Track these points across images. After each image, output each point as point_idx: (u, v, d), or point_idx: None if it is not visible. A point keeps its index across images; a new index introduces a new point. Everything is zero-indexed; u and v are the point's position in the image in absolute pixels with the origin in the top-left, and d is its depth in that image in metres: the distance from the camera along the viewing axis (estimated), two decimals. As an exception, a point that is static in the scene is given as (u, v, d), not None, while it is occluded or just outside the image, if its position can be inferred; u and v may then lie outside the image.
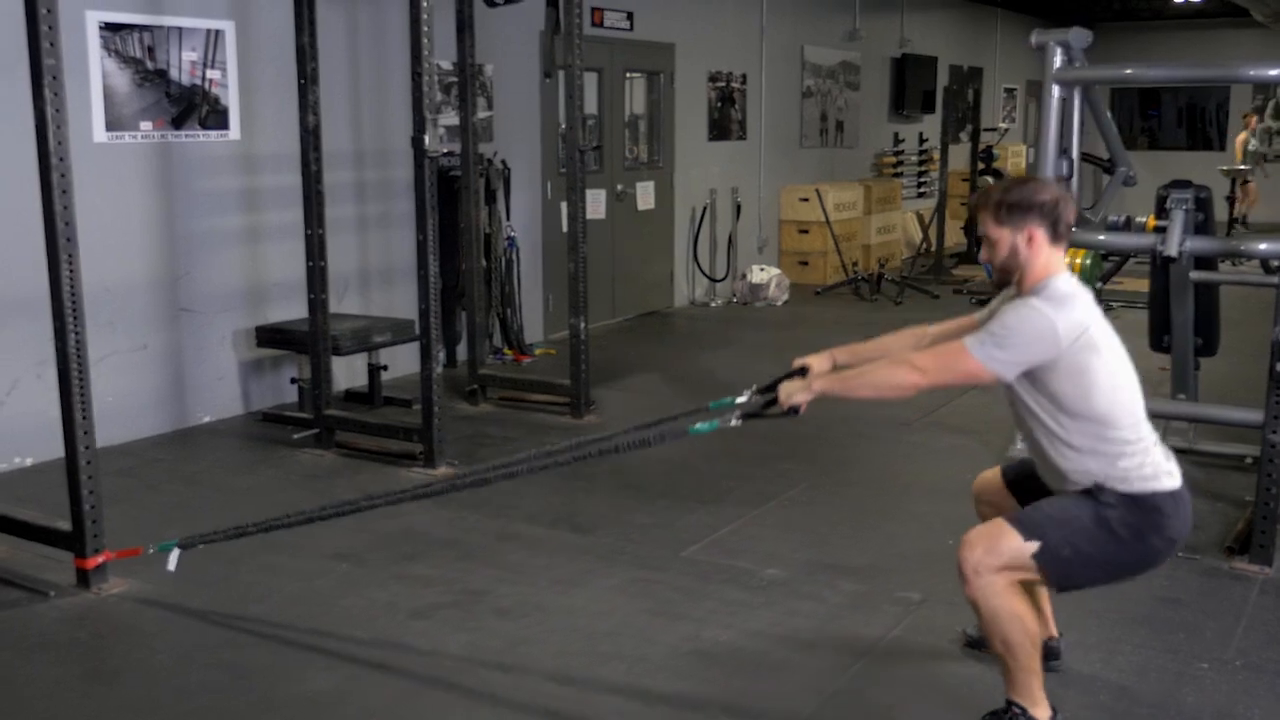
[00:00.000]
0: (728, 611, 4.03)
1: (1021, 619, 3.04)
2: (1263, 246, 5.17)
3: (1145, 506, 3.04)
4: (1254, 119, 16.37)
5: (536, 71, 8.57)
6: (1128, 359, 3.13)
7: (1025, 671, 3.09)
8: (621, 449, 3.57)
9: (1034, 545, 3.01)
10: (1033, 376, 3.05)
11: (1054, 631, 3.61)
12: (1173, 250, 5.06)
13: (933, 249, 12.62)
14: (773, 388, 3.32)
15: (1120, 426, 3.06)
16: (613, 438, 3.63)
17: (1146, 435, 3.11)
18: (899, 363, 3.14)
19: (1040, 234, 3.07)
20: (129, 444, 6.01)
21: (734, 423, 3.33)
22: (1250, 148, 15.57)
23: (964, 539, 3.07)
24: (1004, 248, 3.11)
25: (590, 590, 4.23)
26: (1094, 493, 3.07)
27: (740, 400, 3.41)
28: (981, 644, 3.71)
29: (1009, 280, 3.17)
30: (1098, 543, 3.04)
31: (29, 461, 5.59)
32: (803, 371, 3.40)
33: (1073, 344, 2.98)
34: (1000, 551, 3.02)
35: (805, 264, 11.94)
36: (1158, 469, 3.07)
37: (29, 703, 3.43)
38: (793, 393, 3.22)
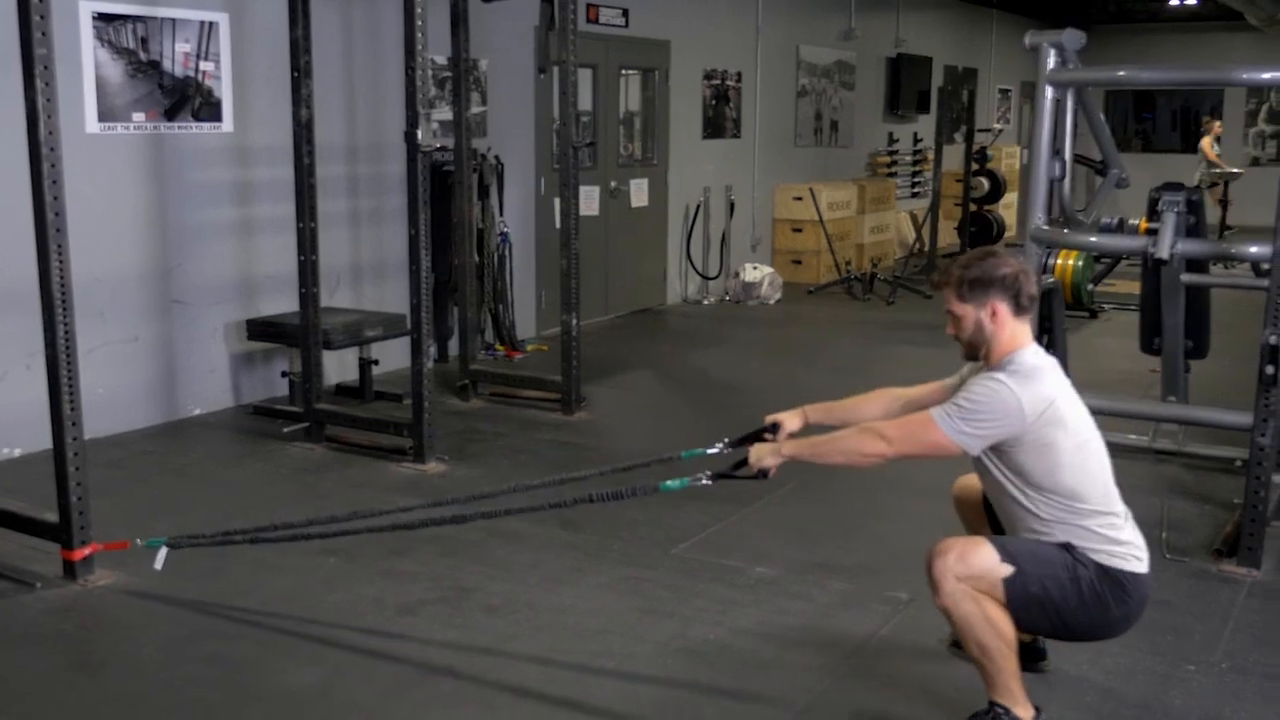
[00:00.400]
0: (716, 610, 4.03)
1: (993, 622, 3.04)
2: (1253, 249, 5.16)
3: (1113, 578, 3.08)
4: (1217, 124, 16.49)
5: (531, 67, 8.56)
6: (1097, 432, 3.17)
7: (1004, 673, 3.10)
8: (595, 500, 3.62)
9: (1008, 570, 3.03)
10: (999, 450, 3.09)
11: (1040, 633, 3.60)
12: (1164, 252, 5.06)
13: (926, 249, 12.63)
14: (743, 442, 3.39)
15: (1088, 500, 3.09)
16: (588, 487, 3.75)
17: (1117, 509, 3.15)
18: (867, 432, 3.18)
19: (1003, 308, 3.11)
20: (119, 436, 5.99)
21: (704, 482, 3.38)
22: (1215, 153, 15.73)
23: (937, 546, 3.08)
24: (969, 323, 3.16)
25: (579, 588, 4.23)
26: (1069, 549, 3.09)
27: (711, 451, 3.52)
28: (968, 644, 3.72)
29: (976, 355, 3.22)
30: (1065, 594, 3.06)
31: (17, 452, 5.58)
32: (774, 428, 3.45)
33: (1038, 419, 3.02)
34: (972, 563, 3.03)
35: (798, 263, 11.95)
36: (1127, 550, 3.11)
37: (12, 694, 3.42)
38: (763, 456, 3.28)
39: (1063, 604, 3.06)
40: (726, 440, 3.48)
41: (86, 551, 4.18)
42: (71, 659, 3.66)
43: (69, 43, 5.67)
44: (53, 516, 4.21)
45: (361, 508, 4.94)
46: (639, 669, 3.61)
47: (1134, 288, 6.50)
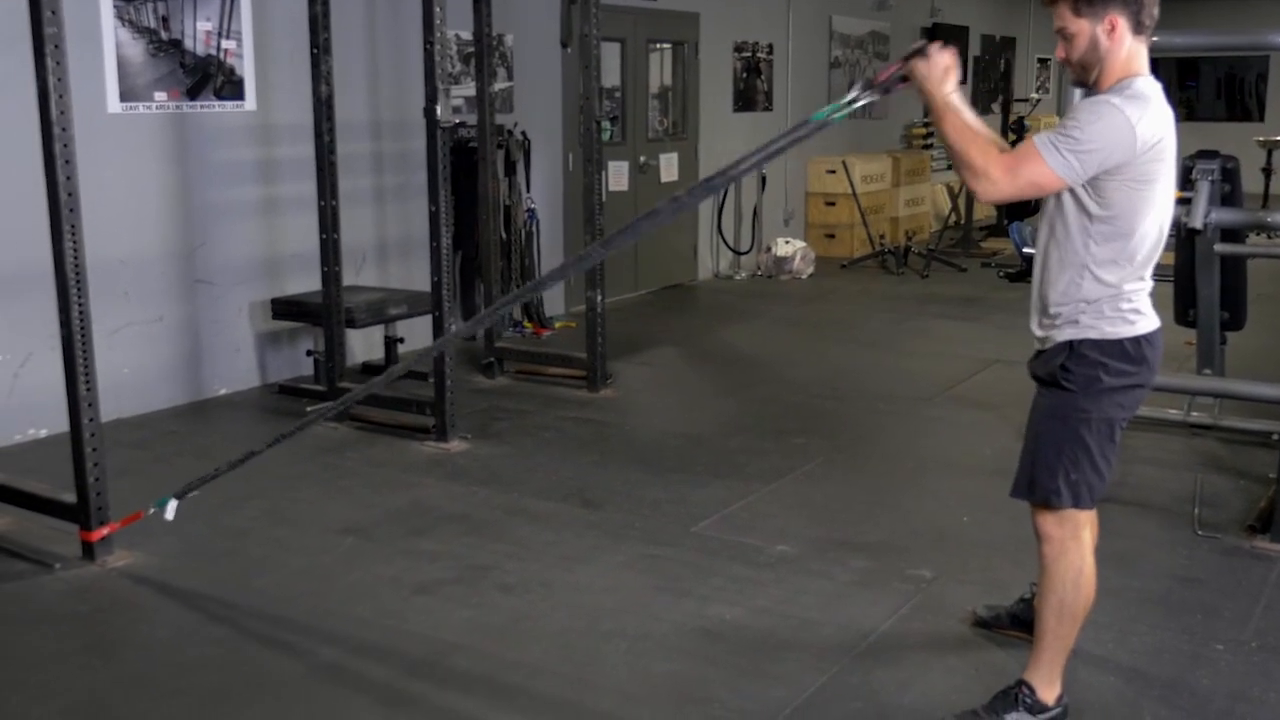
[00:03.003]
0: (735, 588, 3.98)
1: (1082, 589, 3.02)
2: (1291, 218, 5.04)
3: (1116, 350, 2.92)
4: None
5: (558, 42, 8.48)
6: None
7: (1055, 648, 3.05)
8: (719, 182, 3.32)
9: (1055, 496, 2.99)
10: (1092, 180, 2.82)
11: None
12: (1198, 222, 4.95)
13: (962, 222, 12.47)
14: (910, 55, 2.93)
15: (1136, 257, 2.89)
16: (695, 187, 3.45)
17: (1148, 280, 2.96)
18: (998, 159, 2.80)
19: (1123, 23, 2.84)
20: (144, 416, 6.01)
21: (860, 102, 3.01)
22: None
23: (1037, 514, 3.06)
24: (1083, 40, 2.87)
25: (597, 566, 4.18)
26: (1059, 374, 2.95)
27: (852, 96, 3.04)
28: (991, 624, 3.66)
29: (1086, 80, 2.95)
30: (1083, 433, 2.96)
31: (43, 433, 5.60)
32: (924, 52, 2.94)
33: (1148, 151, 2.79)
34: (1066, 518, 3.01)
35: (831, 237, 11.82)
36: (1135, 315, 2.93)
37: (25, 675, 3.41)
38: (936, 74, 2.87)
39: (1091, 440, 2.96)
40: (859, 83, 3.06)
41: (104, 532, 4.18)
42: (86, 640, 3.66)
43: (89, 22, 5.67)
44: (71, 497, 4.22)
45: (381, 487, 4.96)
46: (654, 648, 3.56)
47: (1170, 259, 6.36)
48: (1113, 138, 2.76)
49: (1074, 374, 2.95)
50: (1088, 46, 2.88)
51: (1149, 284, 2.98)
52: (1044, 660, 3.07)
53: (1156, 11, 2.89)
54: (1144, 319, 2.95)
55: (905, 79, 2.95)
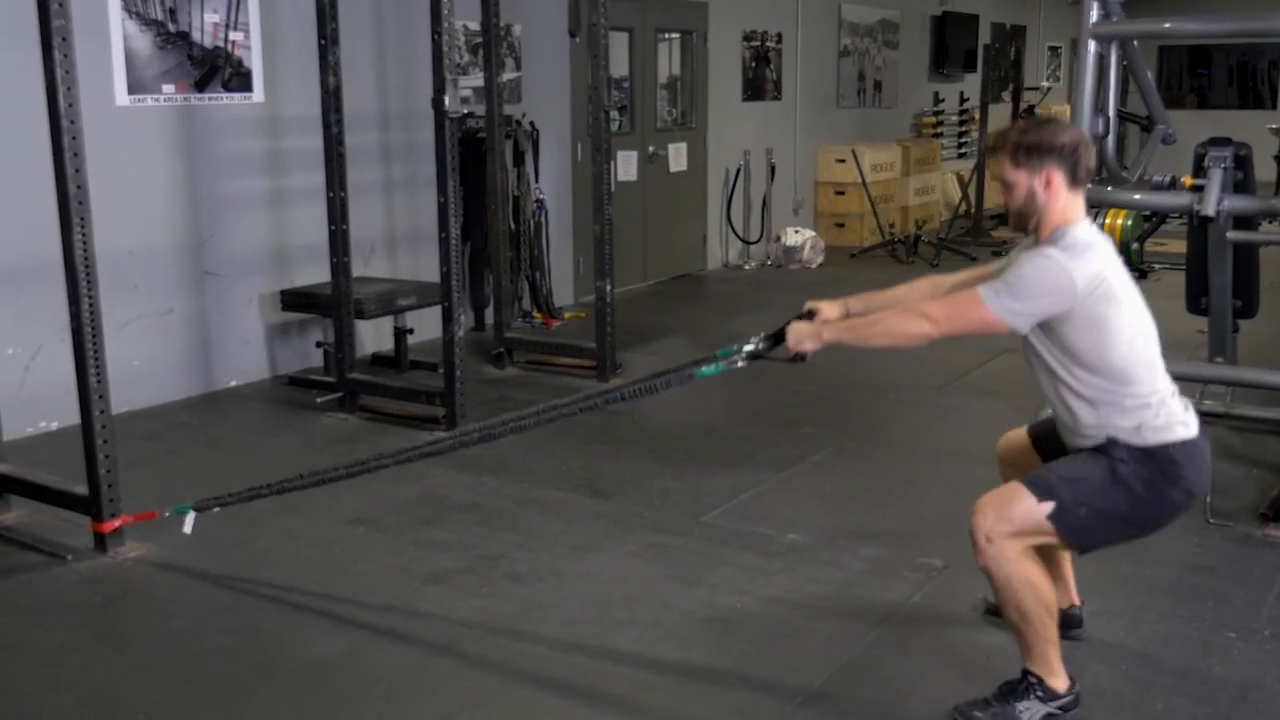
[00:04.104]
0: (745, 577, 3.98)
1: (1035, 586, 2.96)
2: (1304, 205, 5.01)
3: (1159, 459, 2.94)
4: None
5: (566, 31, 8.46)
6: (1146, 310, 3.03)
7: (1041, 640, 3.02)
8: (628, 397, 3.50)
9: (1048, 506, 2.93)
10: (1047, 328, 2.95)
11: (1075, 599, 3.52)
12: (1210, 209, 4.92)
13: (972, 210, 12.43)
14: (780, 331, 3.22)
15: (1136, 381, 2.96)
16: (620, 388, 3.54)
17: (1163, 388, 3.01)
18: (911, 312, 3.04)
19: (1059, 178, 2.96)
20: (155, 408, 6.02)
21: (740, 364, 3.26)
22: None
23: (976, 505, 2.98)
24: (1021, 191, 3.00)
25: (606, 556, 4.18)
26: (1106, 448, 2.98)
27: (748, 348, 3.31)
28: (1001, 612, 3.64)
29: (1026, 226, 3.06)
30: (1112, 499, 2.95)
31: (54, 426, 5.61)
32: (811, 315, 3.29)
33: (1089, 295, 2.88)
34: (1012, 517, 2.93)
35: (841, 226, 11.80)
36: (1172, 419, 2.97)
37: (38, 666, 3.43)
38: (802, 338, 3.15)
39: (1115, 510, 2.95)
40: (763, 334, 3.30)
41: (116, 524, 4.19)
42: (98, 630, 3.67)
43: (97, 15, 5.67)
44: (83, 489, 4.23)
45: (392, 472, 4.96)
46: (664, 638, 3.56)
47: (1184, 246, 6.33)
48: (1050, 287, 2.88)
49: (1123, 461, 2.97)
50: (1026, 197, 3.00)
51: (1170, 392, 3.03)
52: (1034, 650, 3.05)
53: (1093, 163, 3.02)
54: (1179, 426, 2.98)
55: (800, 358, 3.18)
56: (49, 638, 3.60)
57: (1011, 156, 3.00)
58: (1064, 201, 2.98)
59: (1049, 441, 3.26)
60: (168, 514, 4.13)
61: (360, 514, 4.57)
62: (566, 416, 3.71)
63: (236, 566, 4.10)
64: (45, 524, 4.41)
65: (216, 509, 4.10)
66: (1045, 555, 3.12)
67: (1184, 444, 2.97)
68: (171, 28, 6.03)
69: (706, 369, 3.32)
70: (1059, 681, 3.07)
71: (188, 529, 4.04)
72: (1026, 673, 3.08)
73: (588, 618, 3.70)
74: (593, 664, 3.44)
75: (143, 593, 3.93)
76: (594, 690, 3.31)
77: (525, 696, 3.28)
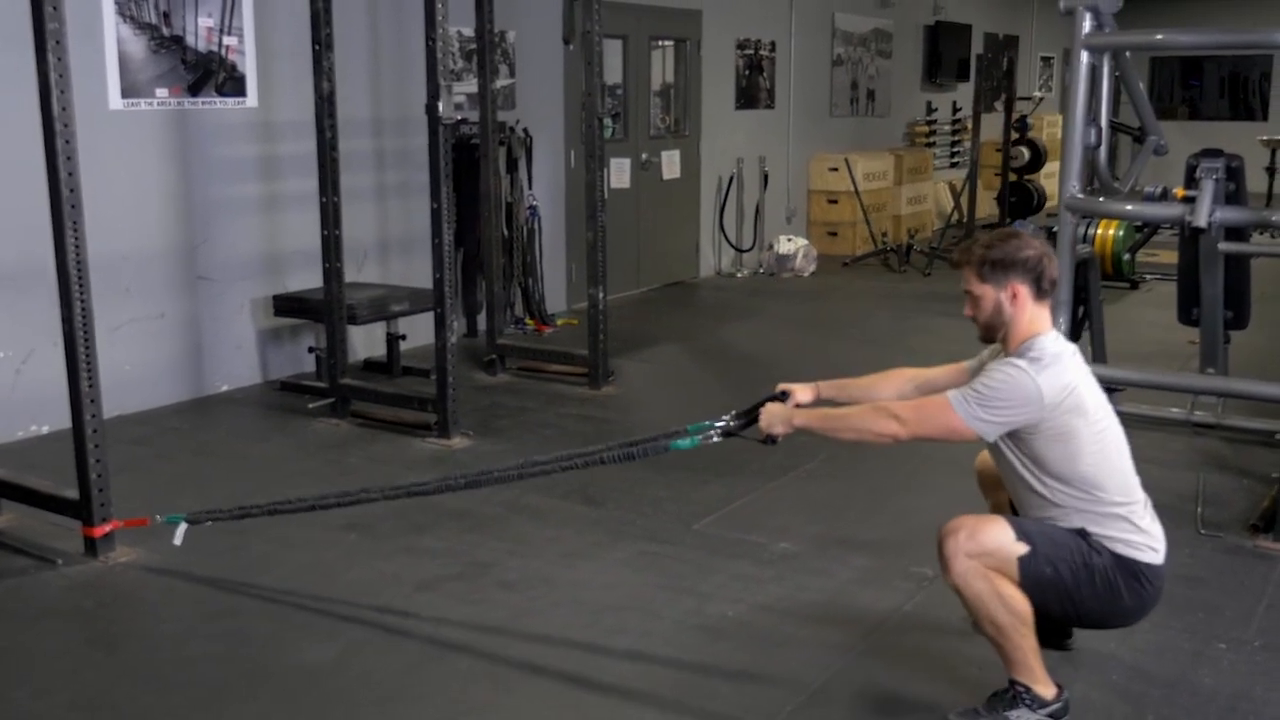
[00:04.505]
0: (736, 586, 3.98)
1: (1004, 597, 2.97)
2: (1294, 217, 5.04)
3: (1127, 568, 3.01)
4: None
5: (560, 39, 8.47)
6: (1116, 420, 3.10)
7: (1021, 650, 3.03)
8: (606, 461, 3.54)
9: (1022, 549, 2.97)
10: (1016, 437, 3.02)
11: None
12: (1201, 221, 4.92)
13: (964, 220, 12.45)
14: (753, 411, 3.28)
15: (1107, 490, 3.02)
16: (597, 451, 3.57)
17: (1136, 497, 3.07)
18: (881, 411, 3.11)
19: (1024, 291, 3.05)
20: (146, 412, 6.01)
21: (714, 439, 3.32)
22: None
23: (948, 524, 3.01)
24: (988, 304, 3.09)
25: (598, 563, 4.18)
26: (1084, 535, 3.03)
27: (719, 425, 3.37)
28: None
29: (993, 338, 3.15)
30: (1078, 579, 3.00)
31: (45, 429, 5.60)
32: (783, 396, 3.35)
33: (1057, 407, 2.95)
34: (984, 540, 2.96)
35: (834, 235, 11.82)
36: (1144, 541, 3.04)
37: (28, 670, 3.42)
38: (774, 422, 3.21)
39: (1075, 589, 3.00)
40: (734, 412, 3.36)
41: (107, 528, 4.19)
42: (89, 635, 3.67)
43: (91, 19, 5.67)
44: (74, 493, 4.22)
45: (380, 481, 4.96)
46: (655, 646, 3.56)
47: (1175, 257, 6.36)
48: (1018, 398, 2.94)
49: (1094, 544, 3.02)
50: (993, 310, 3.08)
51: (1141, 507, 3.07)
52: (1015, 660, 3.06)
53: (1056, 274, 3.08)
54: (1147, 550, 3.04)
55: (771, 440, 3.23)
56: (39, 642, 3.59)
57: (977, 271, 3.08)
58: (1030, 313, 3.05)
59: None
60: (160, 520, 4.12)
61: (352, 520, 4.56)
62: (547, 474, 3.70)
63: (228, 571, 4.10)
64: (35, 528, 4.40)
65: (209, 523, 4.09)
66: None
67: (1152, 567, 3.04)
68: (166, 32, 6.03)
69: (681, 442, 3.37)
70: (1046, 689, 3.07)
71: (178, 540, 4.02)
72: (1013, 682, 3.08)
73: (578, 625, 3.70)
74: (583, 672, 3.43)
75: (134, 597, 3.92)
76: (584, 698, 3.31)
77: (515, 704, 3.28)
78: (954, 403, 2.99)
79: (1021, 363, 2.98)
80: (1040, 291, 3.06)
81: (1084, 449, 2.99)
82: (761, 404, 3.28)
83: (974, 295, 3.10)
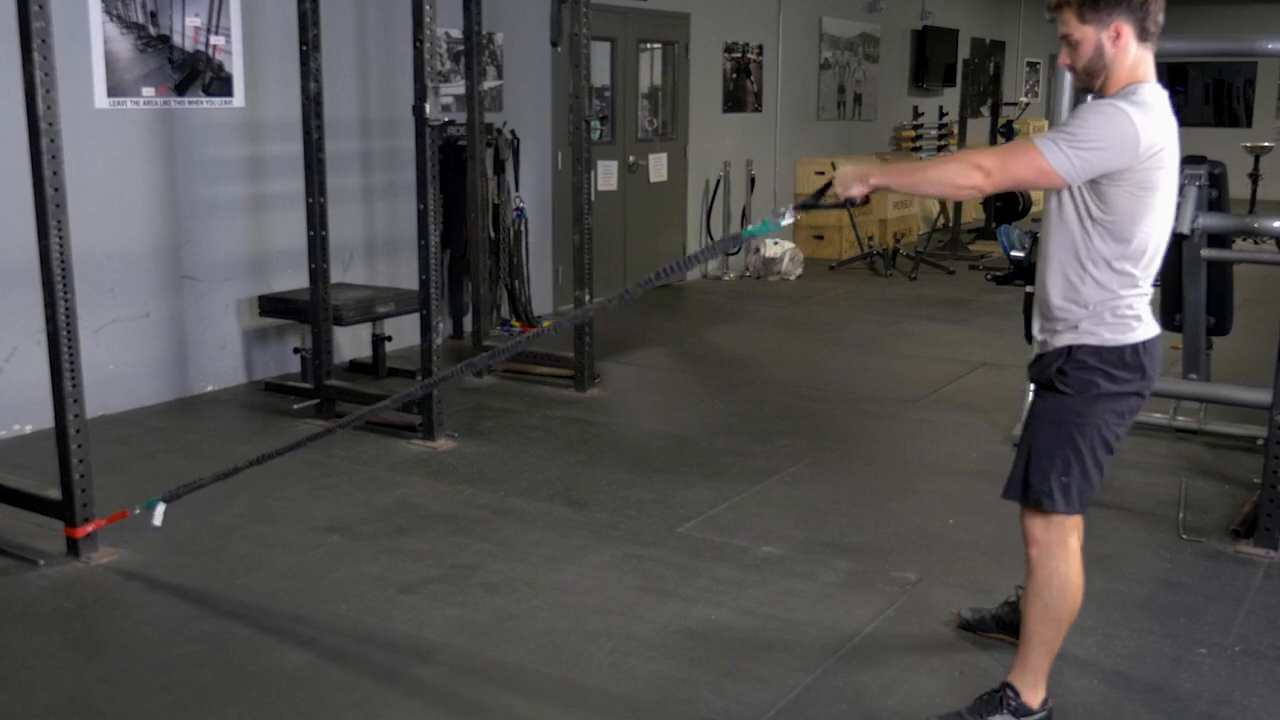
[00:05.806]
0: (719, 589, 3.98)
1: (1067, 592, 3.02)
2: (1277, 224, 5.06)
3: (1114, 359, 2.91)
4: None
5: (548, 41, 8.47)
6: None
7: (1045, 646, 3.06)
8: (667, 273, 3.40)
9: (1055, 496, 2.99)
10: (1092, 185, 2.81)
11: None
12: (1184, 227, 4.96)
13: (950, 224, 12.48)
14: (827, 184, 3.05)
15: (1138, 259, 2.87)
16: (668, 265, 3.44)
17: (1150, 275, 2.93)
18: (963, 160, 2.88)
19: (1128, 30, 2.82)
20: (130, 412, 5.99)
21: (788, 220, 3.10)
22: None
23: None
24: (1088, 47, 2.85)
25: (581, 566, 4.18)
26: (1056, 378, 2.95)
27: (785, 223, 3.14)
28: (975, 627, 3.66)
29: (1091, 86, 2.92)
30: (1085, 433, 2.95)
31: (28, 429, 5.58)
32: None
33: (1150, 157, 2.77)
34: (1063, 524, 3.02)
35: (820, 238, 11.83)
36: (1133, 321, 2.92)
37: (8, 671, 3.40)
38: (849, 183, 2.94)
39: (1085, 441, 2.95)
40: (795, 204, 3.15)
41: (89, 528, 4.17)
42: (70, 637, 3.65)
43: (77, 17, 5.65)
44: (56, 494, 4.20)
45: (365, 485, 4.96)
46: (639, 648, 3.56)
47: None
48: (1115, 139, 2.74)
49: (1070, 378, 2.95)
50: (1093, 53, 2.86)
51: (1149, 291, 2.97)
52: (1029, 664, 3.08)
53: (1162, 18, 2.89)
54: (1143, 326, 2.94)
55: (837, 197, 2.99)
56: (20, 644, 3.58)
57: (1077, 10, 2.85)
58: (1133, 56, 2.85)
59: None
60: (138, 510, 4.11)
61: (335, 522, 4.55)
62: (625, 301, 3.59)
63: (210, 573, 4.09)
64: (17, 528, 4.38)
65: (186, 495, 4.08)
66: None
67: (1139, 346, 2.93)
68: (152, 31, 6.01)
69: (754, 228, 3.22)
70: (1034, 696, 3.08)
71: (158, 521, 4.03)
72: (1006, 685, 3.09)
73: (562, 628, 3.70)
74: (567, 675, 3.43)
75: (115, 599, 3.90)
76: (567, 701, 3.30)
77: (499, 707, 3.27)
78: (1041, 145, 2.76)
79: (1121, 103, 2.78)
80: (1145, 33, 2.84)
81: (1154, 208, 2.82)
82: (827, 186, 3.04)
83: (1072, 40, 2.87)
